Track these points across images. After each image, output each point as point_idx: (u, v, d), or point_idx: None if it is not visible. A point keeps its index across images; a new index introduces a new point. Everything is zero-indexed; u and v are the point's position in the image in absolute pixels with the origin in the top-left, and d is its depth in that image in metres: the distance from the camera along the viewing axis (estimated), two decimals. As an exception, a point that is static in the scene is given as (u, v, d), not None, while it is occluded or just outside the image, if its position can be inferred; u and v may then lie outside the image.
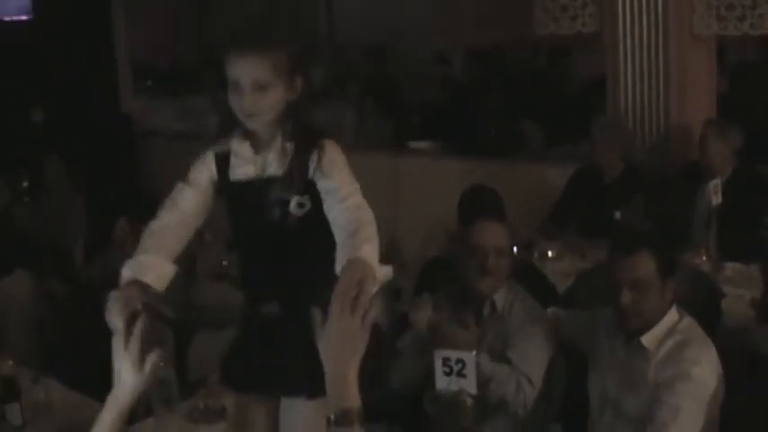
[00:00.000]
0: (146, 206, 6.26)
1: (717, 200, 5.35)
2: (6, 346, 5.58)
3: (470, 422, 3.29)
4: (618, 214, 5.39)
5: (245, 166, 2.87)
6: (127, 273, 2.70)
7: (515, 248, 4.30)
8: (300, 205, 2.79)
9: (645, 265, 3.54)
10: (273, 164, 2.83)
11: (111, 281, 4.51)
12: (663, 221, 4.65)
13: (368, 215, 2.71)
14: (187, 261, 5.58)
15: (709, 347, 3.50)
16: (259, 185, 2.83)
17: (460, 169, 6.87)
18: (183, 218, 2.88)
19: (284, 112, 2.83)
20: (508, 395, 3.75)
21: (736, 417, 3.50)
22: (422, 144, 7.72)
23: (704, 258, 5.09)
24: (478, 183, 5.50)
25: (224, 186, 2.91)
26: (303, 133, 2.83)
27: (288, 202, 2.79)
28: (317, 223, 2.81)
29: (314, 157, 2.79)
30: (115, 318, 2.33)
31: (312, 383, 2.84)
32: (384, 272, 2.59)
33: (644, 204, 5.40)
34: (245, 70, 2.75)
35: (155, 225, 2.86)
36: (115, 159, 8.65)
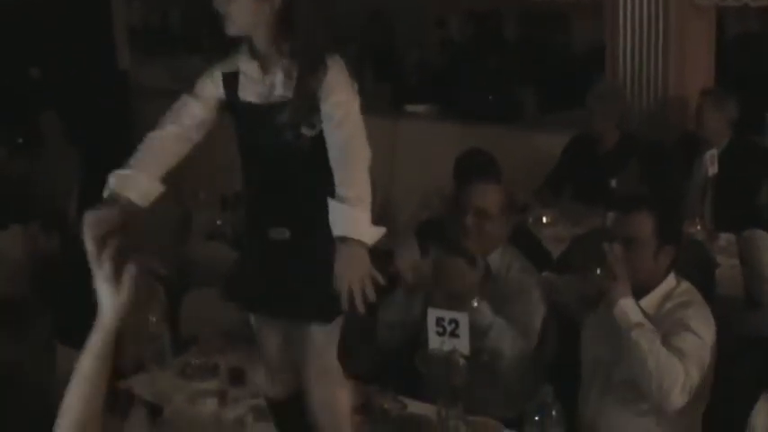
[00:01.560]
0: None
1: (713, 170, 5.35)
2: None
3: (462, 382, 3.29)
4: (614, 182, 5.39)
5: (253, 86, 2.81)
6: (110, 185, 2.64)
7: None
8: (311, 126, 2.75)
9: (642, 223, 3.53)
10: (280, 87, 2.78)
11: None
12: (658, 189, 4.64)
13: (358, 149, 2.72)
14: (181, 219, 5.59)
15: (706, 310, 3.50)
16: (269, 110, 2.78)
17: (457, 133, 6.86)
18: (184, 131, 2.82)
19: (275, 25, 2.76)
20: (505, 346, 3.76)
21: (718, 393, 3.50)
22: (419, 107, 7.71)
23: (699, 228, 5.11)
24: (475, 146, 5.49)
25: (233, 106, 2.85)
26: (303, 53, 2.76)
27: (299, 124, 2.75)
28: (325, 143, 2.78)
29: (321, 76, 2.72)
30: (87, 238, 2.22)
31: (322, 309, 2.86)
32: (376, 232, 2.66)
33: (639, 172, 5.39)
34: None
35: (153, 135, 2.80)
36: (111, 116, 8.62)
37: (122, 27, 9.33)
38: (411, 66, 8.74)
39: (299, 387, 3.07)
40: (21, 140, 7.69)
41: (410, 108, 7.72)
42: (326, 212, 2.74)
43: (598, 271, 3.52)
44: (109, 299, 2.14)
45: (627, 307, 3.34)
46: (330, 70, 2.74)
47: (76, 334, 2.37)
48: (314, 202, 2.79)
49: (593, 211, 5.13)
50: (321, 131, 2.76)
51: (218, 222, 5.64)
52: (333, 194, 2.70)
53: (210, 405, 3.55)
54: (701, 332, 3.40)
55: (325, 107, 2.74)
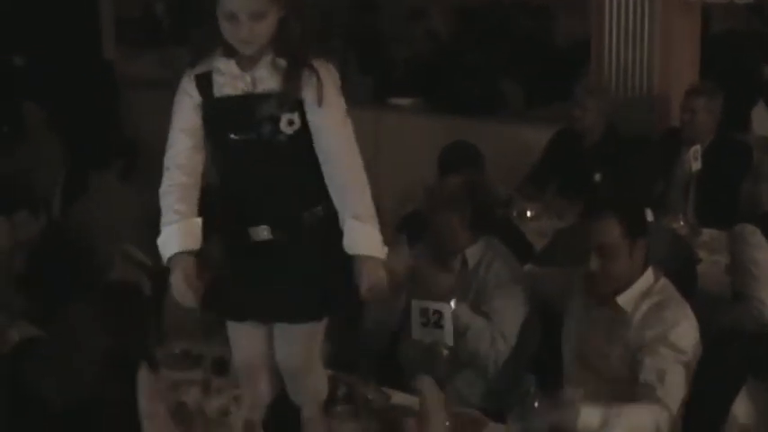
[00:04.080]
0: (126, 154, 6.26)
1: (696, 166, 5.38)
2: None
3: (445, 373, 3.31)
4: (598, 176, 5.41)
5: (231, 83, 2.82)
6: (168, 251, 2.84)
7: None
8: (290, 122, 2.77)
9: (610, 229, 3.55)
10: (265, 80, 2.80)
11: (87, 229, 4.50)
12: (633, 181, 4.66)
13: (356, 163, 2.80)
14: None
15: (686, 307, 3.54)
16: (249, 101, 2.79)
17: (441, 126, 6.86)
18: (192, 171, 2.88)
19: (277, 32, 2.79)
20: (482, 348, 3.78)
21: (701, 385, 3.52)
22: (403, 100, 7.71)
23: (682, 223, 5.13)
24: (460, 138, 5.50)
25: (209, 103, 2.86)
26: (295, 49, 2.80)
27: (279, 118, 2.77)
28: (305, 141, 2.81)
29: (308, 76, 2.76)
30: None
31: (309, 308, 2.88)
32: (384, 247, 2.82)
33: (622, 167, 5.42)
34: (243, 3, 2.72)
35: (169, 187, 2.87)
36: (96, 106, 8.58)
37: (108, 17, 9.29)
38: (396, 58, 8.73)
39: (278, 392, 3.10)
40: (5, 129, 7.66)
41: (394, 101, 7.73)
42: (305, 208, 2.82)
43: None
44: None
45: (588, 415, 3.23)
46: (321, 73, 2.78)
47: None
48: (292, 199, 2.84)
49: (576, 204, 5.14)
50: (298, 131, 2.79)
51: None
52: (310, 191, 2.80)
53: (194, 395, 3.55)
54: (682, 342, 3.44)
55: (315, 118, 2.78)
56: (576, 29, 7.72)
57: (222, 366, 3.67)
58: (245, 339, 3.07)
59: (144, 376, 2.95)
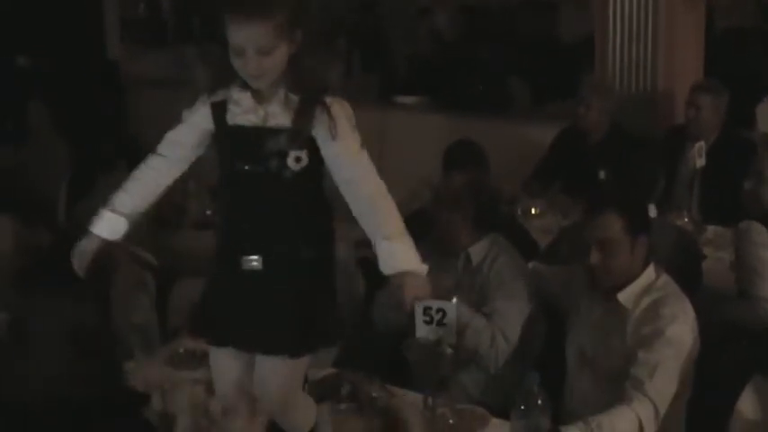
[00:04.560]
0: (131, 154, 6.28)
1: (701, 162, 5.38)
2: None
3: (449, 371, 3.31)
4: (602, 174, 5.41)
5: (246, 114, 2.83)
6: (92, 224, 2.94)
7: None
8: (298, 159, 2.78)
9: (612, 224, 3.56)
10: (277, 115, 2.80)
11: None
12: (635, 178, 4.66)
13: (377, 189, 2.80)
14: (172, 209, 5.58)
15: (686, 304, 3.53)
16: (260, 134, 2.80)
17: (447, 125, 6.87)
18: (172, 164, 2.95)
19: (287, 66, 2.79)
20: (482, 346, 3.79)
21: (706, 381, 3.52)
22: (408, 99, 7.71)
23: (686, 220, 5.13)
24: (463, 137, 5.50)
25: (221, 131, 2.88)
26: (307, 85, 2.80)
27: (287, 154, 2.77)
28: (310, 180, 2.84)
29: (319, 113, 2.77)
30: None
31: (293, 342, 2.88)
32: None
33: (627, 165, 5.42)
34: (249, 38, 2.71)
35: (142, 169, 2.97)
36: (101, 106, 8.59)
37: (113, 17, 9.30)
38: (401, 57, 8.73)
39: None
40: (9, 127, 7.68)
41: (400, 99, 7.73)
42: (299, 246, 2.84)
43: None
44: None
45: None
46: (332, 108, 2.78)
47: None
48: (289, 235, 2.85)
49: (581, 202, 5.14)
50: (305, 168, 2.79)
51: (208, 213, 5.64)
52: (308, 228, 2.85)
53: (198, 393, 3.56)
54: (679, 338, 3.43)
55: (330, 151, 2.79)
56: (580, 26, 7.70)
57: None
58: (224, 365, 3.06)
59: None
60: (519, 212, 5.42)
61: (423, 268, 2.80)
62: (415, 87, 7.82)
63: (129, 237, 2.97)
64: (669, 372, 3.38)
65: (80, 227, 4.89)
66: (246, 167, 2.83)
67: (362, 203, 2.81)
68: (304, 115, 2.77)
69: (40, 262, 5.17)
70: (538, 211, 5.50)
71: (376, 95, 7.80)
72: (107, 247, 2.94)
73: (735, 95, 5.86)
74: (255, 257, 2.86)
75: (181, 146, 2.95)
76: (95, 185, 6.00)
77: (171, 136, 2.95)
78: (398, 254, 2.79)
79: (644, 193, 4.43)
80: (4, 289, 4.39)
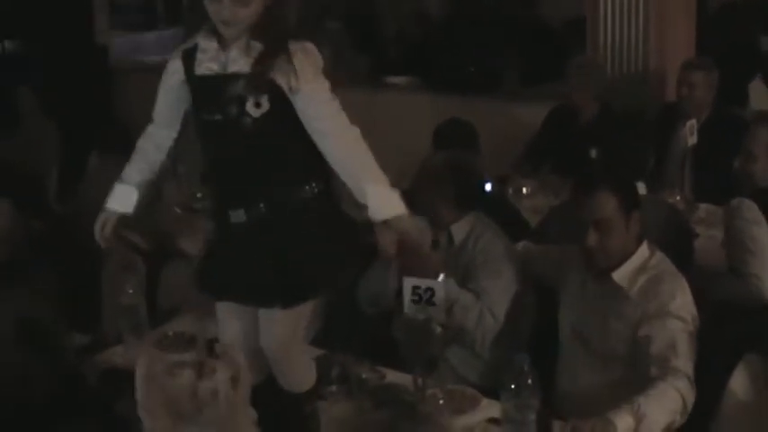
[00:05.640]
0: (120, 138, 6.26)
1: (692, 140, 5.36)
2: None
3: (439, 350, 3.30)
4: (593, 153, 5.39)
5: (209, 61, 2.83)
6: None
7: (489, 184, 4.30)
8: (257, 105, 2.76)
9: (606, 203, 3.54)
10: (237, 61, 2.79)
11: (85, 213, 4.51)
12: (624, 156, 4.64)
13: (350, 138, 2.79)
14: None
15: (682, 281, 3.52)
16: (219, 81, 2.79)
17: (437, 105, 6.85)
18: (165, 126, 3.00)
19: (260, 17, 2.78)
20: (469, 322, 3.76)
21: (699, 358, 3.51)
22: (398, 79, 7.69)
23: (678, 198, 5.12)
24: (455, 116, 5.48)
25: (190, 81, 2.89)
26: (269, 32, 2.78)
27: (245, 100, 2.76)
28: (277, 125, 2.80)
29: (284, 61, 2.75)
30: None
31: (284, 294, 2.88)
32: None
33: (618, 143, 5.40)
34: None
35: (140, 141, 3.06)
36: (90, 91, 8.56)
37: (102, 1, 9.26)
38: (390, 37, 8.70)
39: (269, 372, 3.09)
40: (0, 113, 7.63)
41: (390, 80, 7.71)
42: (277, 193, 2.83)
43: None
44: None
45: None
46: (295, 55, 2.76)
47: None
48: (266, 184, 2.84)
49: (572, 181, 5.12)
50: (266, 114, 2.78)
51: (198, 195, 5.62)
52: (284, 176, 2.83)
53: (188, 376, 3.53)
54: (683, 312, 3.43)
55: (298, 102, 2.78)
56: (571, 6, 7.68)
57: (216, 347, 3.66)
58: (228, 319, 3.09)
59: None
60: (510, 192, 5.41)
61: (406, 209, 2.82)
62: (404, 68, 7.80)
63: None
64: (687, 343, 3.37)
65: (75, 210, 4.91)
66: (209, 117, 2.84)
67: (336, 153, 2.80)
68: (262, 61, 2.76)
69: (32, 245, 5.16)
70: (528, 191, 5.48)
71: (366, 76, 7.78)
72: (126, 219, 3.04)
73: (727, 73, 5.84)
74: (240, 210, 2.87)
75: (167, 106, 2.98)
76: (87, 170, 5.99)
77: (158, 100, 3.00)
78: (390, 198, 2.79)
79: (634, 170, 4.40)
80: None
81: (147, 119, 3.09)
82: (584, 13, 6.63)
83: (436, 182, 3.96)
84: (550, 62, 7.02)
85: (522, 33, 8.02)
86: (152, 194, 3.21)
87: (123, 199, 3.02)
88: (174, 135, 3.02)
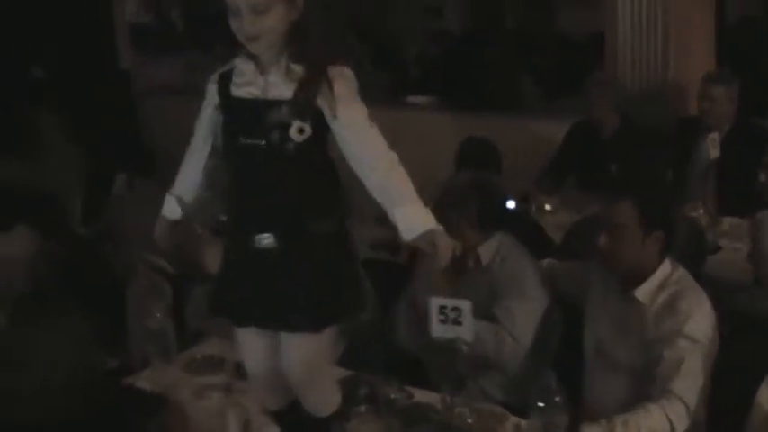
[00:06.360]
0: (145, 162, 6.29)
1: (715, 153, 5.35)
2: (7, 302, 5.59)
3: (466, 369, 3.31)
4: (614, 168, 5.40)
5: (247, 85, 2.82)
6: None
7: (512, 202, 4.30)
8: (301, 130, 2.75)
9: (625, 212, 3.54)
10: (278, 86, 2.78)
11: (110, 237, 4.58)
12: (644, 171, 4.64)
13: (387, 161, 2.76)
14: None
15: (702, 297, 3.51)
16: (260, 106, 2.78)
17: (458, 123, 6.86)
18: (205, 140, 3.00)
19: (288, 33, 2.77)
20: (489, 350, 3.75)
21: (723, 373, 3.50)
22: (419, 98, 7.70)
23: (701, 212, 5.11)
24: (475, 135, 5.49)
25: (224, 103, 2.88)
26: (310, 56, 2.77)
27: (289, 126, 2.74)
28: (315, 149, 2.80)
29: (323, 85, 2.74)
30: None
31: (313, 318, 2.86)
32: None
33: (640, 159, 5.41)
34: None
35: (186, 154, 3.07)
36: (114, 115, 8.62)
37: (123, 25, 9.33)
38: (410, 56, 8.73)
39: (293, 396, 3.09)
40: (23, 140, 7.69)
41: (411, 99, 7.72)
42: (312, 221, 2.82)
43: None
44: None
45: None
46: (335, 81, 2.75)
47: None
48: (299, 209, 2.82)
49: (595, 197, 5.12)
50: (309, 139, 2.76)
51: (223, 219, 5.64)
52: (318, 201, 2.83)
53: (216, 399, 3.56)
54: (697, 334, 3.41)
55: (335, 125, 2.76)
56: (589, 22, 7.70)
57: (245, 369, 3.69)
58: (249, 344, 3.08)
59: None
60: (533, 209, 5.41)
61: (441, 227, 2.80)
62: (425, 87, 7.82)
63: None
64: (694, 367, 3.36)
65: (99, 234, 4.95)
66: (249, 141, 2.81)
67: (375, 180, 2.77)
68: (306, 87, 2.75)
69: (57, 270, 5.20)
70: (552, 208, 5.48)
71: (386, 95, 7.80)
72: (182, 225, 3.16)
73: (748, 84, 5.84)
74: (267, 235, 2.84)
75: (205, 122, 2.98)
76: (112, 194, 6.04)
77: (199, 120, 3.01)
78: (417, 216, 2.77)
79: (657, 185, 4.40)
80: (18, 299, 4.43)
81: (170, 142, 3.12)
82: (603, 28, 6.63)
83: (461, 203, 3.95)
84: (570, 78, 7.04)
85: (542, 50, 8.05)
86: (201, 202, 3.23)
87: (170, 207, 3.10)
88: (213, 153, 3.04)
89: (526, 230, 4.33)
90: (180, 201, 3.08)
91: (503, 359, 3.78)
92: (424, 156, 6.77)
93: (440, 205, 4.01)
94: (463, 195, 3.98)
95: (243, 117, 2.83)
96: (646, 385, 3.41)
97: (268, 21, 2.72)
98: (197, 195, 3.10)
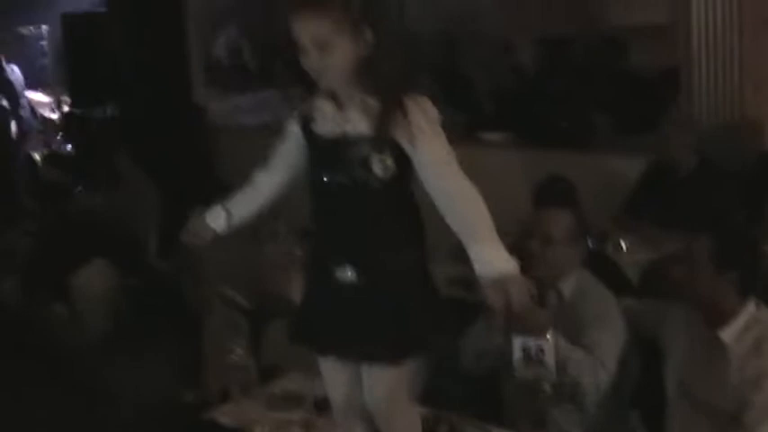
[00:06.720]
0: (219, 197, 6.37)
1: (796, 190, 5.29)
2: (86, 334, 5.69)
3: (548, 407, 3.29)
4: (691, 207, 5.34)
5: (328, 123, 2.84)
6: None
7: (589, 240, 4.28)
8: (384, 167, 2.76)
9: (700, 249, 3.52)
10: (357, 122, 2.78)
11: (186, 271, 4.63)
12: (725, 211, 4.60)
13: (469, 196, 2.72)
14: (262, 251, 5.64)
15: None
16: (342, 143, 2.80)
17: (533, 160, 6.84)
18: (275, 173, 3.05)
19: (359, 68, 2.77)
20: (584, 378, 3.74)
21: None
22: (494, 135, 7.70)
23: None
24: (554, 173, 5.48)
25: (308, 141, 2.91)
26: (384, 89, 2.76)
27: (370, 162, 2.75)
28: (398, 186, 2.80)
29: (399, 117, 2.72)
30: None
31: (392, 349, 2.87)
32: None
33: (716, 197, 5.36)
34: (303, 29, 2.73)
35: (253, 176, 3.10)
36: (188, 152, 8.73)
37: (198, 63, 9.46)
38: (484, 93, 8.73)
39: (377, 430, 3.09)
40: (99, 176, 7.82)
41: (485, 136, 7.72)
42: (394, 255, 2.82)
43: None
44: None
45: None
46: (412, 112, 2.73)
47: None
48: (382, 244, 2.84)
49: (672, 236, 5.08)
50: (394, 175, 2.77)
51: (299, 254, 5.68)
52: (399, 237, 2.83)
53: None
54: None
55: (415, 158, 2.75)
56: (663, 57, 7.65)
57: (324, 405, 3.71)
58: (333, 377, 3.10)
59: None
60: (610, 248, 5.37)
61: (517, 269, 2.71)
62: (499, 123, 7.82)
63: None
64: None
65: (175, 267, 5.02)
66: (333, 179, 2.83)
67: (455, 213, 2.73)
68: (383, 121, 2.74)
69: (134, 303, 5.28)
70: (629, 246, 5.44)
71: (460, 133, 7.80)
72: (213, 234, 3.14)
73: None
74: (349, 269, 2.85)
75: (277, 154, 3.04)
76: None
77: (273, 156, 3.06)
78: (493, 255, 2.69)
79: (732, 223, 4.36)
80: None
81: (243, 177, 3.15)
82: (677, 62, 6.59)
83: (566, 240, 3.98)
84: (644, 113, 7.00)
85: (615, 84, 8.01)
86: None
87: (215, 217, 3.12)
88: (278, 182, 3.07)
89: (603, 269, 4.31)
90: (228, 217, 3.11)
91: (596, 387, 3.75)
92: (499, 191, 6.80)
93: (526, 240, 4.03)
94: (569, 231, 4.00)
95: (327, 156, 2.85)
96: (732, 430, 3.37)
97: (334, 56, 2.74)
98: (243, 222, 3.15)
